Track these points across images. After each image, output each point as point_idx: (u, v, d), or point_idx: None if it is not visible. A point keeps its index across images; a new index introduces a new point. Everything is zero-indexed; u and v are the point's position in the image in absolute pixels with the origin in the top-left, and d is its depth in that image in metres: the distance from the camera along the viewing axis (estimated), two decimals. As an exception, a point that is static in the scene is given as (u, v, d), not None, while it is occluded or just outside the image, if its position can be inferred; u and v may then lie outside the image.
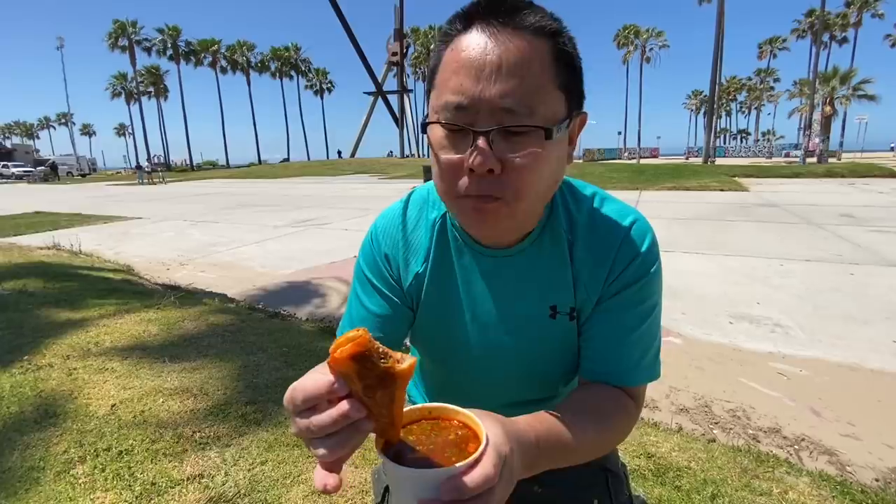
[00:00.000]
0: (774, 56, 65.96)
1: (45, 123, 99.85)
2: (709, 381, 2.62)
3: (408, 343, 0.85)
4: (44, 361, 2.51)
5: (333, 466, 0.41)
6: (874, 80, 28.16)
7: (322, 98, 71.04)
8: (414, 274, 0.74)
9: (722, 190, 12.84)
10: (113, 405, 2.09)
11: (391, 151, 50.71)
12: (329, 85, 71.09)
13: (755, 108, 78.78)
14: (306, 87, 70.07)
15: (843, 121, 42.76)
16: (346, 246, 6.42)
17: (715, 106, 31.63)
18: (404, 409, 0.45)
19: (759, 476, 1.74)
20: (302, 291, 4.48)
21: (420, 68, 60.97)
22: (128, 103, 60.22)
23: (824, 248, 5.63)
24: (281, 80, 67.02)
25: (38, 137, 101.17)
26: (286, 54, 65.18)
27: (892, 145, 56.06)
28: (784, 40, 61.14)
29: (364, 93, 44.00)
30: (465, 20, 0.56)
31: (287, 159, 63.02)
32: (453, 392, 0.84)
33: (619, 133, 69.52)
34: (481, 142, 0.54)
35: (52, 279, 4.26)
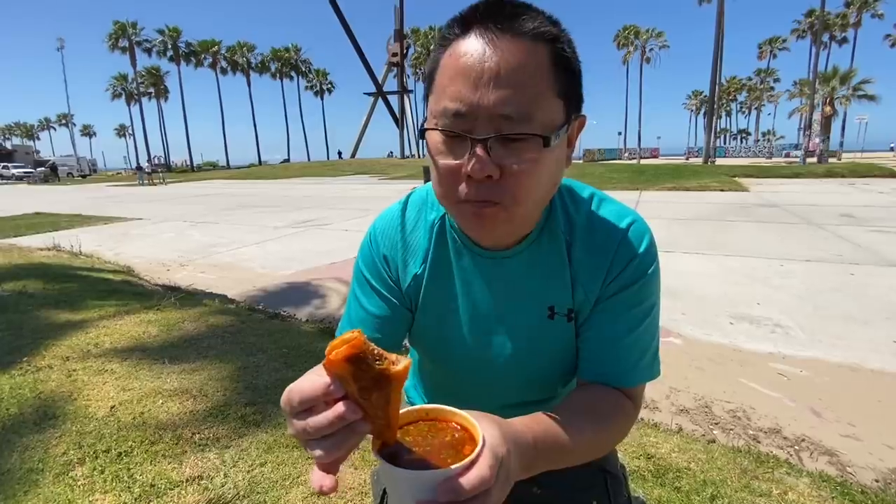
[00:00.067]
0: (774, 56, 66.00)
1: (46, 124, 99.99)
2: (709, 381, 2.62)
3: (407, 344, 0.85)
4: (43, 363, 2.51)
5: (330, 468, 0.41)
6: (874, 81, 28.18)
7: (322, 99, 71.16)
8: (412, 275, 0.74)
9: (722, 190, 12.84)
10: (112, 407, 2.09)
11: (391, 152, 50.75)
12: (329, 86, 71.16)
13: (755, 108, 78.85)
14: (306, 87, 70.18)
15: (843, 121, 42.78)
16: (346, 247, 6.42)
17: (715, 106, 31.65)
18: (401, 411, 0.45)
19: (759, 477, 1.74)
20: (302, 292, 4.48)
21: (420, 69, 61.02)
22: (128, 104, 60.31)
23: (824, 249, 5.63)
24: (281, 81, 67.15)
25: (38, 138, 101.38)
26: (286, 55, 65.25)
27: (892, 145, 56.07)
28: (784, 40, 61.18)
29: (364, 93, 44.07)
30: (464, 25, 0.56)
31: (287, 160, 63.07)
32: (452, 393, 0.84)
33: (620, 133, 69.68)
34: (479, 149, 0.54)
35: (51, 280, 4.26)
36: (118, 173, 55.95)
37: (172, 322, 3.19)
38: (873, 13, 45.19)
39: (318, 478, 0.41)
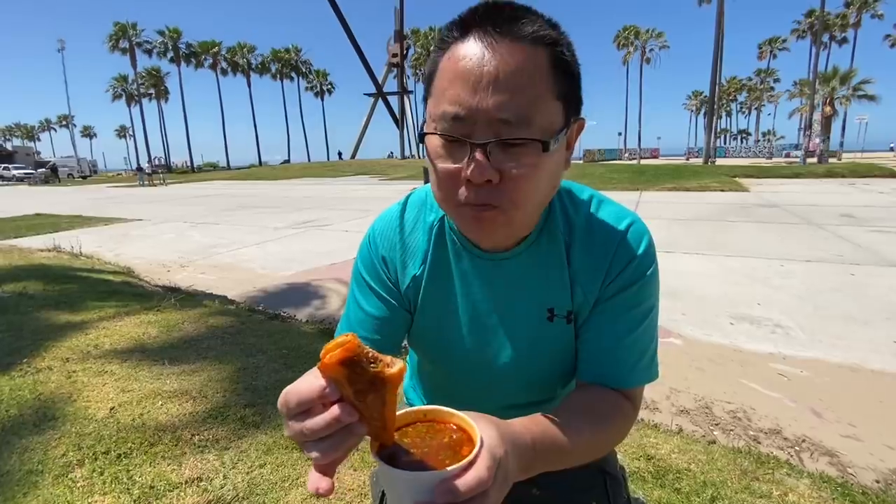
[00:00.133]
0: (774, 56, 66.06)
1: (46, 125, 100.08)
2: (709, 382, 2.62)
3: (406, 345, 0.85)
4: (43, 364, 2.50)
5: (327, 469, 0.41)
6: (874, 81, 28.18)
7: (322, 99, 71.20)
8: (411, 276, 0.74)
9: (722, 190, 12.84)
10: (112, 408, 2.09)
11: (391, 153, 50.77)
12: (329, 86, 71.21)
13: (755, 108, 78.91)
14: (307, 88, 70.22)
15: (844, 121, 42.81)
16: (346, 247, 6.42)
17: (715, 106, 31.65)
18: (399, 412, 0.45)
19: (760, 478, 1.73)
20: (302, 293, 4.48)
21: (420, 69, 61.06)
22: (128, 105, 60.41)
23: (825, 249, 5.63)
24: (281, 82, 67.22)
25: (38, 139, 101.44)
26: (286, 56, 65.31)
27: (892, 145, 56.06)
28: (784, 41, 61.24)
29: (364, 94, 44.09)
30: (463, 28, 0.56)
31: (287, 161, 63.12)
32: (451, 394, 0.84)
33: (620, 134, 69.60)
34: (478, 154, 0.54)
35: (52, 281, 4.26)
36: (118, 174, 56.02)
37: (172, 323, 3.19)
38: (873, 13, 45.23)
39: (315, 480, 0.41)
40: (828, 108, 27.84)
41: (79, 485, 1.63)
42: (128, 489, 1.61)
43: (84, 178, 44.23)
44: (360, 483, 1.69)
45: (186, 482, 1.64)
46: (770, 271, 4.76)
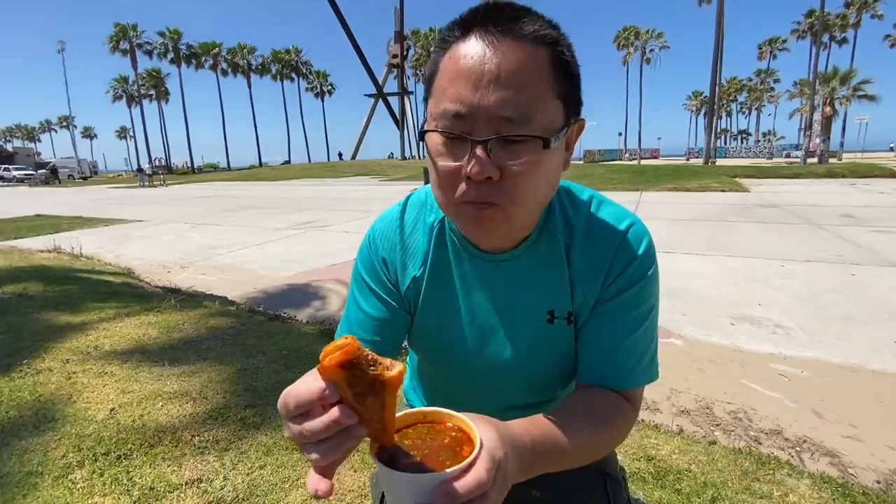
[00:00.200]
0: (774, 57, 66.09)
1: (47, 126, 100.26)
2: (710, 382, 2.61)
3: (406, 346, 0.85)
4: (43, 365, 2.50)
5: (327, 471, 0.41)
6: (874, 81, 28.17)
7: (323, 100, 71.24)
8: (411, 278, 0.74)
9: (723, 191, 12.84)
10: (112, 409, 2.09)
11: (392, 153, 50.78)
12: (330, 87, 71.27)
13: (755, 108, 78.92)
14: (307, 89, 70.27)
15: (844, 121, 42.85)
16: (346, 248, 6.43)
17: (715, 107, 31.64)
18: (399, 414, 0.45)
19: (760, 479, 1.73)
20: (302, 294, 4.48)
21: (420, 70, 61.13)
22: (129, 106, 60.53)
23: (825, 249, 5.63)
24: (282, 83, 67.25)
25: (39, 140, 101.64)
26: (287, 57, 65.35)
27: (892, 145, 56.04)
28: (784, 41, 61.27)
29: (364, 95, 44.13)
30: (464, 28, 0.56)
31: (288, 161, 63.21)
32: (451, 395, 0.84)
33: (620, 134, 69.54)
34: (479, 150, 0.54)
35: (52, 282, 4.26)
36: (119, 175, 56.04)
37: (172, 324, 3.19)
38: (873, 14, 45.27)
39: (314, 481, 0.41)
40: (828, 109, 27.84)
41: (79, 486, 1.63)
42: (128, 490, 1.60)
43: (84, 179, 44.25)
44: (361, 484, 1.69)
45: (186, 483, 1.64)
46: (770, 272, 4.76)
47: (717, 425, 2.20)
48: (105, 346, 2.79)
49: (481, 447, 0.42)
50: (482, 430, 0.44)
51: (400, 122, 42.30)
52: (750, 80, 74.98)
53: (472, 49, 0.54)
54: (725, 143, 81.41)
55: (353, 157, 44.83)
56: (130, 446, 1.83)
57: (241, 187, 21.86)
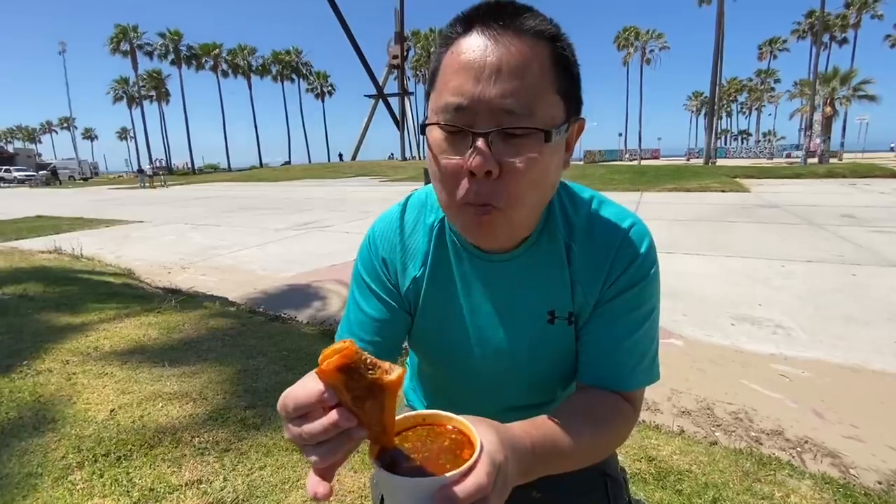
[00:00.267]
0: (775, 57, 66.09)
1: (48, 128, 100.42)
2: (711, 383, 2.61)
3: (406, 346, 0.84)
4: (43, 366, 2.50)
5: (326, 473, 0.41)
6: (874, 81, 28.15)
7: (323, 101, 71.30)
8: (412, 278, 0.73)
9: (723, 191, 12.83)
10: (112, 410, 2.09)
11: (392, 154, 50.76)
12: (330, 88, 71.32)
13: (756, 108, 78.94)
14: (307, 90, 70.32)
15: (844, 121, 42.81)
16: (347, 249, 6.43)
17: (715, 107, 31.62)
18: (399, 417, 0.45)
19: (762, 479, 1.73)
20: (303, 294, 4.48)
21: (420, 71, 61.14)
22: (129, 107, 60.59)
23: (826, 249, 5.62)
24: (282, 84, 67.32)
25: (40, 142, 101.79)
26: (287, 58, 65.38)
27: (893, 145, 56.01)
28: (784, 41, 61.28)
29: (365, 95, 44.11)
30: (466, 23, 0.57)
31: (288, 162, 63.26)
32: (451, 396, 0.83)
33: (620, 135, 69.52)
34: (480, 142, 0.54)
35: (52, 283, 4.26)
36: (119, 176, 56.11)
37: (173, 325, 3.19)
38: (873, 14, 45.27)
39: (314, 484, 0.41)
40: (828, 109, 27.83)
41: (78, 487, 1.62)
42: (127, 491, 1.60)
43: (85, 180, 44.26)
44: (361, 485, 1.69)
45: (186, 484, 1.64)
46: (771, 272, 4.76)
47: (718, 426, 2.20)
48: (105, 347, 2.79)
49: (481, 450, 0.42)
50: (482, 433, 0.44)
51: (400, 123, 42.29)
52: (750, 80, 75.02)
53: (474, 43, 0.55)
54: (726, 144, 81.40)
55: (354, 157, 44.83)
56: (130, 447, 1.82)
57: (241, 188, 21.86)
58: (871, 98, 28.05)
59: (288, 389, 0.41)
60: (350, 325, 0.75)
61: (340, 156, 51.56)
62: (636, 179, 15.61)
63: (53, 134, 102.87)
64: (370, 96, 43.42)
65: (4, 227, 9.52)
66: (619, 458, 0.92)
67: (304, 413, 0.39)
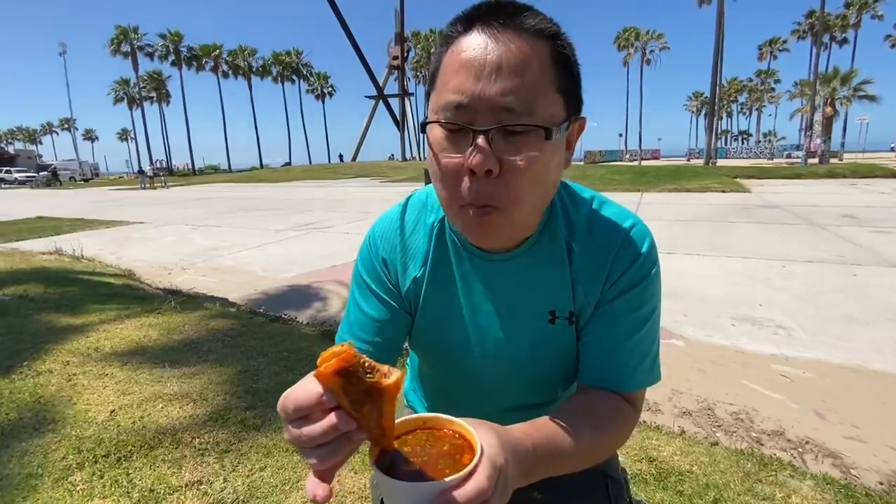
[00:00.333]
0: (775, 57, 66.06)
1: (48, 129, 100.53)
2: (711, 383, 2.61)
3: (407, 347, 0.84)
4: (43, 367, 2.50)
5: (325, 475, 0.41)
6: (875, 81, 28.16)
7: (323, 102, 71.33)
8: (412, 278, 0.73)
9: (723, 191, 12.82)
10: (112, 411, 2.09)
11: (392, 155, 50.74)
12: (330, 89, 71.35)
13: (756, 109, 78.91)
14: (308, 91, 70.34)
15: (844, 121, 42.73)
16: (347, 249, 6.43)
17: (716, 107, 31.61)
18: (398, 420, 0.45)
19: (762, 480, 1.72)
20: (303, 295, 4.48)
21: (421, 72, 61.19)
22: (130, 108, 60.67)
23: (826, 249, 5.62)
24: (282, 85, 67.35)
25: (40, 143, 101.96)
26: (287, 59, 65.41)
27: (893, 145, 55.96)
28: (784, 41, 61.25)
29: (365, 96, 44.10)
30: (466, 22, 0.57)
31: (289, 163, 63.30)
32: (451, 396, 0.83)
33: (620, 135, 69.52)
34: (481, 140, 0.53)
35: (53, 284, 4.26)
36: (120, 177, 56.10)
37: (173, 326, 3.19)
38: (873, 14, 45.25)
39: (313, 485, 0.40)
40: (828, 109, 27.83)
41: (78, 488, 1.62)
42: (128, 492, 1.60)
43: (85, 181, 44.31)
44: (361, 486, 1.69)
45: (186, 485, 1.64)
46: (771, 272, 4.75)
47: (719, 426, 2.19)
48: (105, 348, 2.78)
49: (482, 454, 0.41)
50: (483, 436, 0.44)
51: (400, 124, 42.27)
52: (750, 80, 75.01)
53: (474, 41, 0.55)
54: (726, 144, 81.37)
55: (354, 158, 44.80)
56: (130, 448, 1.82)
57: (241, 189, 21.86)
58: (872, 98, 28.06)
59: (288, 390, 0.41)
60: (350, 326, 0.75)
61: (341, 157, 51.54)
62: (636, 180, 15.60)
63: (54, 135, 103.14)
64: (370, 97, 43.42)
65: (5, 228, 9.52)
66: (620, 458, 0.92)
67: (303, 415, 0.39)
